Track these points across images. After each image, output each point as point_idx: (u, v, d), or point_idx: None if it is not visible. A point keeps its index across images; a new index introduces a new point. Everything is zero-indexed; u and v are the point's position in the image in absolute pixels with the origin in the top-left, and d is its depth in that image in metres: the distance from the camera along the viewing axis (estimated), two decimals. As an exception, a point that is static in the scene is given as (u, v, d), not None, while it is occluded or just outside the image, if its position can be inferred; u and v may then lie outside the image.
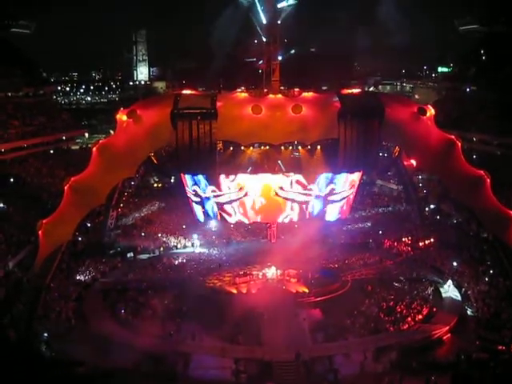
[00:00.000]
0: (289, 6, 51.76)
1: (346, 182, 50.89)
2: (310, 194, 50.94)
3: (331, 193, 51.02)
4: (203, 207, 52.32)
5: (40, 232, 43.41)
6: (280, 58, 52.12)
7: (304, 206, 51.61)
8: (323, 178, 50.18)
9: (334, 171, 48.75)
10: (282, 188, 50.40)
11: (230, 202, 51.29)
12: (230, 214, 52.22)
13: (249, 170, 48.73)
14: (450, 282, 51.98)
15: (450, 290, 50.88)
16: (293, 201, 51.18)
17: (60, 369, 36.66)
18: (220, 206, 51.64)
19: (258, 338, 42.60)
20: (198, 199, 52.10)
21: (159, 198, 78.83)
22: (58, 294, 49.46)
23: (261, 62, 53.08)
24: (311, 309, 47.75)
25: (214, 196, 51.16)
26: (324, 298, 49.35)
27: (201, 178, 50.35)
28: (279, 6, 51.19)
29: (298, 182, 50.23)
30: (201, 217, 53.54)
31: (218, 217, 52.71)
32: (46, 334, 42.45)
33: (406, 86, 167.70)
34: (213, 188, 50.69)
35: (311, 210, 51.88)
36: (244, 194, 50.69)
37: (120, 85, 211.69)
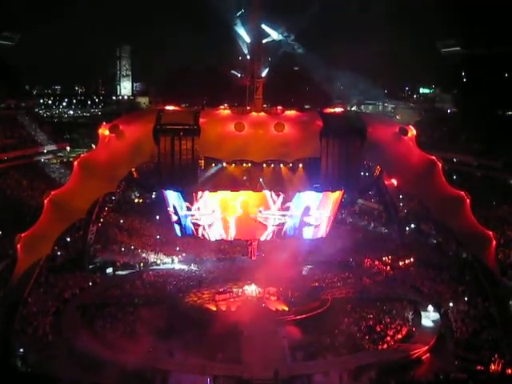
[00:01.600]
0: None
1: (322, 205, 51.32)
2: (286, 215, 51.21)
3: (306, 213, 51.26)
4: (182, 224, 52.12)
5: (18, 245, 42.96)
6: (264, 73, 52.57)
7: (282, 224, 51.72)
8: (298, 197, 50.44)
9: (316, 189, 48.89)
10: (260, 211, 50.79)
11: (208, 219, 51.30)
12: (209, 232, 52.16)
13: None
14: (430, 307, 51.85)
15: (430, 316, 50.62)
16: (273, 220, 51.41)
17: (36, 385, 36.20)
18: (198, 223, 51.60)
19: (237, 355, 42.27)
20: (177, 216, 51.95)
21: (140, 214, 78.65)
22: (35, 308, 48.85)
23: (240, 75, 53.44)
24: (291, 327, 47.57)
25: (192, 215, 51.16)
26: (304, 316, 49.28)
27: (178, 194, 50.31)
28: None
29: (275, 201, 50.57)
30: (180, 233, 53.26)
31: (198, 234, 52.53)
32: (22, 349, 41.92)
33: (388, 106, 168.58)
34: (189, 205, 50.68)
35: (290, 228, 51.92)
36: (223, 212, 50.75)
37: (103, 99, 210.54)
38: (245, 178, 49.63)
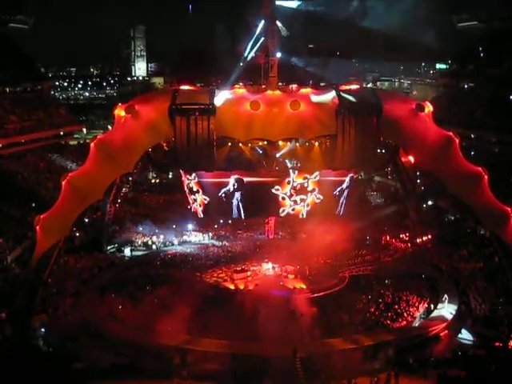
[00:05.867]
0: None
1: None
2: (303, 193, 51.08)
3: (323, 191, 51.07)
4: (198, 202, 52.25)
5: (37, 227, 43.31)
6: (279, 54, 52.42)
7: (299, 202, 51.63)
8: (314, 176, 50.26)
9: (332, 168, 48.78)
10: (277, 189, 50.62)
11: (226, 197, 51.29)
12: (225, 209, 52.20)
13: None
14: (448, 284, 51.64)
15: (449, 293, 50.28)
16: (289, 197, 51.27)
17: (57, 364, 36.62)
18: (216, 201, 51.58)
19: (255, 333, 42.42)
20: (194, 194, 52.07)
21: (157, 193, 79.12)
22: (55, 289, 49.37)
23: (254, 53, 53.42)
24: (308, 305, 47.69)
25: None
26: (321, 294, 49.38)
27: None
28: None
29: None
30: (198, 212, 53.43)
31: (210, 212, 52.61)
32: (43, 330, 42.44)
33: (404, 82, 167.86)
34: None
35: (306, 206, 51.83)
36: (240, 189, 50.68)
37: (118, 80, 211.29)
38: (261, 153, 49.75)
